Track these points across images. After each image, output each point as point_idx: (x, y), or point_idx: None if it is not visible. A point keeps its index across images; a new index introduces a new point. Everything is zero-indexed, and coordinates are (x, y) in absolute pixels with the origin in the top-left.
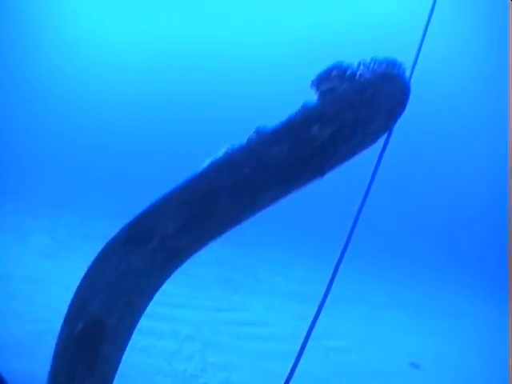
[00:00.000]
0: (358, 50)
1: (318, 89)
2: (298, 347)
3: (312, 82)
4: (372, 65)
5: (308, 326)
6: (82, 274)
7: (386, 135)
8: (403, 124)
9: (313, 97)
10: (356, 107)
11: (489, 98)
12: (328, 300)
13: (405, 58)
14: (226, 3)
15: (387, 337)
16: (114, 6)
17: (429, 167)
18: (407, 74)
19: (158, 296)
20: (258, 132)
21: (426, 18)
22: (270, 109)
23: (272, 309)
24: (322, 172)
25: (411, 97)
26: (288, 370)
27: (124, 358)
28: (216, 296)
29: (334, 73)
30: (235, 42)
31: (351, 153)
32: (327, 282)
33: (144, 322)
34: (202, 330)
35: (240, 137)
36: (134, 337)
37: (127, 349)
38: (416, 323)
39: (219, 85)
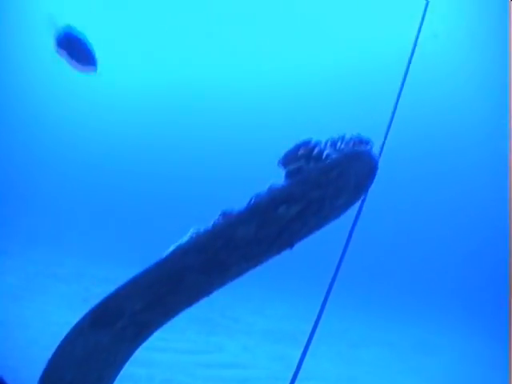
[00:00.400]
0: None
1: (284, 168)
2: None
3: (279, 161)
4: (339, 144)
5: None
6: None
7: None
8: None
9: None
10: (323, 186)
11: (489, 100)
12: (305, 339)
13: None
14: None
15: (365, 375)
16: (109, 49)
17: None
18: (375, 148)
19: None
20: (224, 215)
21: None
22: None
23: (248, 350)
24: (291, 245)
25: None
26: None
27: None
28: (192, 338)
29: (301, 151)
30: (230, 85)
31: (320, 224)
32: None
33: None
34: (177, 373)
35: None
36: None
37: None
38: (393, 360)
39: (212, 129)
